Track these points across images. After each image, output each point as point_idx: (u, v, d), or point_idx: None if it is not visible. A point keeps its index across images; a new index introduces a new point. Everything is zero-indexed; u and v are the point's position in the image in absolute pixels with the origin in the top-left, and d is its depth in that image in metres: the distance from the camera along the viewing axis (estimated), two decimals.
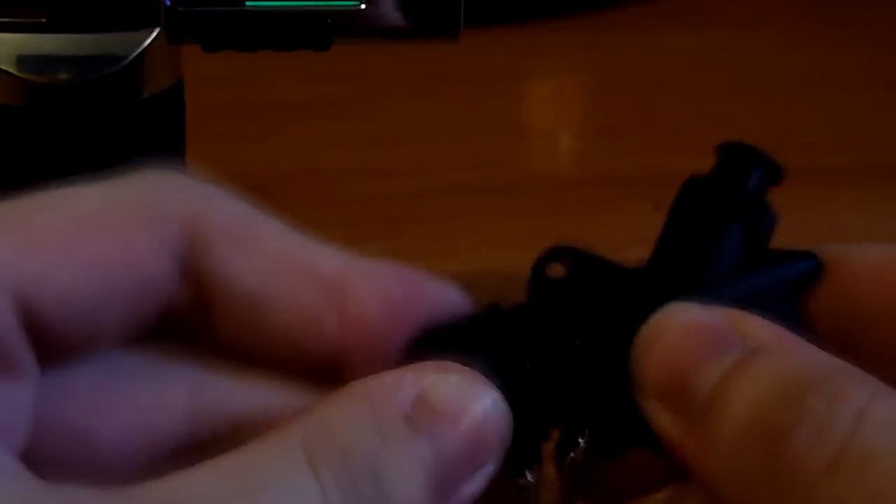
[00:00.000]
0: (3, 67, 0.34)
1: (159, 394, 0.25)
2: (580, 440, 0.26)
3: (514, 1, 0.79)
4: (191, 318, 0.25)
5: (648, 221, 0.54)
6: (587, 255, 0.28)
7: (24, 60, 0.35)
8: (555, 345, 0.26)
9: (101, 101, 0.35)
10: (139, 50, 0.35)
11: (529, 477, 0.25)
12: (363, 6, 0.36)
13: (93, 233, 0.24)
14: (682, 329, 0.25)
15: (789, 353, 0.24)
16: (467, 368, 0.24)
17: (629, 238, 0.55)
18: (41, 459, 0.23)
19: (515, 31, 0.77)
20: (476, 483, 0.23)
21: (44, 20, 0.34)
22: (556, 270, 0.27)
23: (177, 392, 0.25)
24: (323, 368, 0.25)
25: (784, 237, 0.28)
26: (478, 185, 0.59)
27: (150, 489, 0.21)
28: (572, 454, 0.26)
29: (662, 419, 0.25)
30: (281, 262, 0.25)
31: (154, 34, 0.35)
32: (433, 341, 0.25)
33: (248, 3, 0.36)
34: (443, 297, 0.26)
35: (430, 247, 0.53)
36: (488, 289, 0.50)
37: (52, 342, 0.24)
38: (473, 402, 0.23)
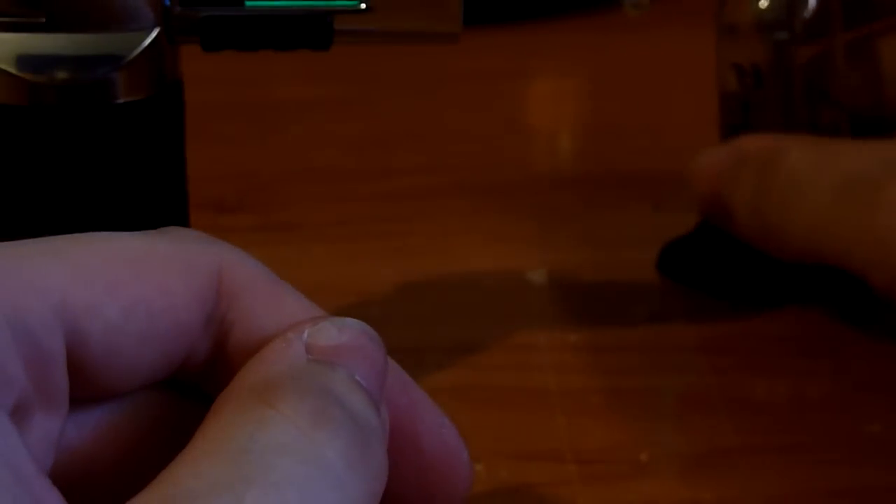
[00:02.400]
0: (3, 67, 0.34)
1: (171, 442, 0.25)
2: None
3: (514, 1, 0.79)
4: (198, 371, 0.26)
5: (648, 221, 0.55)
6: None
7: (23, 60, 0.35)
8: None
9: (100, 100, 0.35)
10: (139, 50, 0.35)
11: None
12: (363, 6, 0.36)
13: (137, 274, 0.24)
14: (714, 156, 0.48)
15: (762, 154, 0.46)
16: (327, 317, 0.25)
17: (629, 238, 0.56)
18: None
19: (515, 31, 0.77)
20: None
21: (44, 20, 0.34)
22: None
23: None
24: None
25: None
26: (478, 185, 0.59)
27: (149, 494, 0.21)
28: None
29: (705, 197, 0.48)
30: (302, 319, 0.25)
31: (154, 34, 0.35)
32: None
33: (248, 3, 0.36)
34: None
35: (431, 247, 0.53)
36: (488, 289, 0.50)
37: (87, 378, 0.24)
38: (345, 333, 0.25)
